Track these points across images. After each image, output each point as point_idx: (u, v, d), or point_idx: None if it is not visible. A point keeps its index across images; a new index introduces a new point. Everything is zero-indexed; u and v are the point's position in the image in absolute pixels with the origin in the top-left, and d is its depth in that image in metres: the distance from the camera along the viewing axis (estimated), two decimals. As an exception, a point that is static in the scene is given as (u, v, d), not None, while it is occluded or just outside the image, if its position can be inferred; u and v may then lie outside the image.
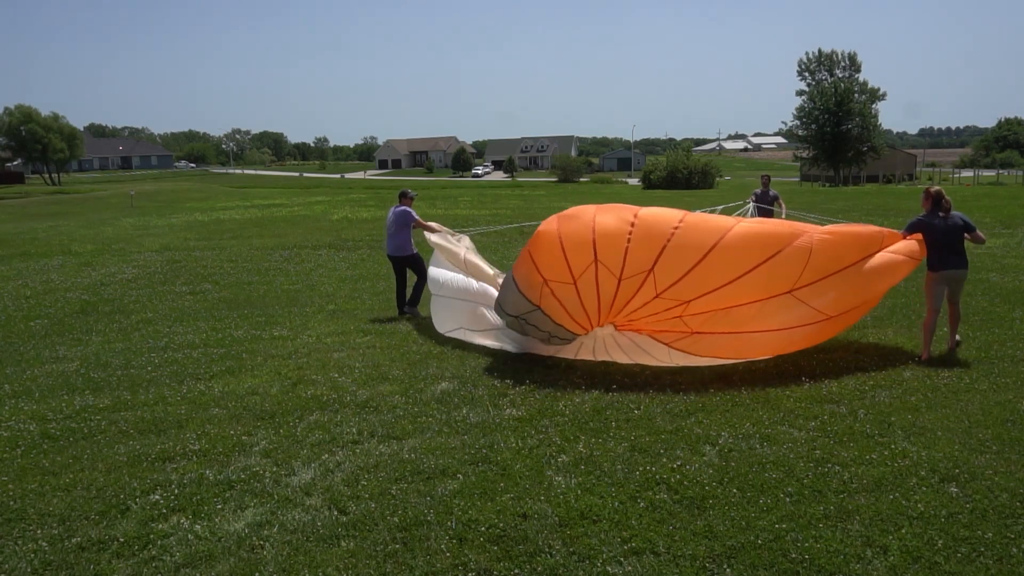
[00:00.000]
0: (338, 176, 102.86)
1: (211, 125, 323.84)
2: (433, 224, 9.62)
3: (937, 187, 7.31)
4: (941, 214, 7.05)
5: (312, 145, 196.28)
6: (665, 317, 6.80)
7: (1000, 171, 62.51)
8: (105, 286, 12.92)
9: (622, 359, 7.29)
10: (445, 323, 8.67)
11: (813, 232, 6.82)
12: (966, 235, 7.06)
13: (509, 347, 7.84)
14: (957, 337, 7.40)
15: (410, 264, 9.90)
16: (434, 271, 9.07)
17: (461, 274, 8.74)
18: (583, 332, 7.14)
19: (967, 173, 65.93)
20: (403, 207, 9.79)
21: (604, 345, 7.33)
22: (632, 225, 6.74)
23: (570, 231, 6.86)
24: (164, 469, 5.13)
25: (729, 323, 6.72)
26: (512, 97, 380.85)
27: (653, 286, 6.62)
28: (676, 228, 6.66)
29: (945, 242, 6.99)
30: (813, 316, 6.77)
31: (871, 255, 7.01)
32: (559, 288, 6.80)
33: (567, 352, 7.49)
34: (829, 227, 7.11)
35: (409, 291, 9.99)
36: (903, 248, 7.17)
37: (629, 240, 6.64)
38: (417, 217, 9.75)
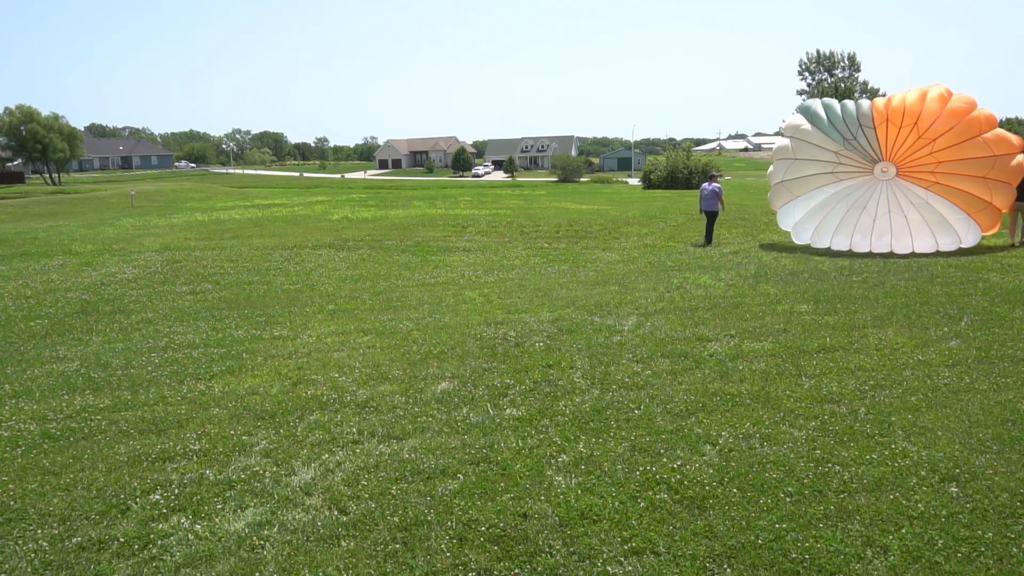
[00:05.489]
0: (338, 176, 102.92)
1: (211, 125, 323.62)
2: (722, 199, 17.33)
3: None
4: None
5: (312, 145, 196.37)
6: (924, 171, 14.07)
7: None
8: (105, 286, 12.92)
9: (887, 227, 14.16)
10: (801, 233, 15.30)
11: (999, 154, 13.52)
12: None
13: (832, 227, 14.71)
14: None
15: (713, 217, 17.06)
16: (783, 208, 15.77)
17: (798, 193, 15.44)
18: (881, 159, 14.49)
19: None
20: (717, 183, 17.24)
21: (890, 190, 14.33)
22: (941, 114, 14.01)
23: (909, 107, 14.27)
24: (164, 469, 5.14)
25: (954, 182, 13.86)
26: (512, 97, 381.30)
27: (931, 147, 13.93)
28: (957, 125, 13.83)
29: None
30: (986, 196, 13.70)
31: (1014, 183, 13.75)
32: (880, 126, 14.48)
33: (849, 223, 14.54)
34: (1006, 159, 13.57)
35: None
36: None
37: (936, 120, 13.91)
38: (721, 192, 17.12)
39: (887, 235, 14.15)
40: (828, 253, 14.27)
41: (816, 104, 15.73)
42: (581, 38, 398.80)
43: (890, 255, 13.81)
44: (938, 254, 13.46)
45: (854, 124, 14.74)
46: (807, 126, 15.35)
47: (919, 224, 13.96)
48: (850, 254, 14.01)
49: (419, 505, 4.48)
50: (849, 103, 15.28)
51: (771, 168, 16.27)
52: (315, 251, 17.16)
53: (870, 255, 13.94)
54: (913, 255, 13.80)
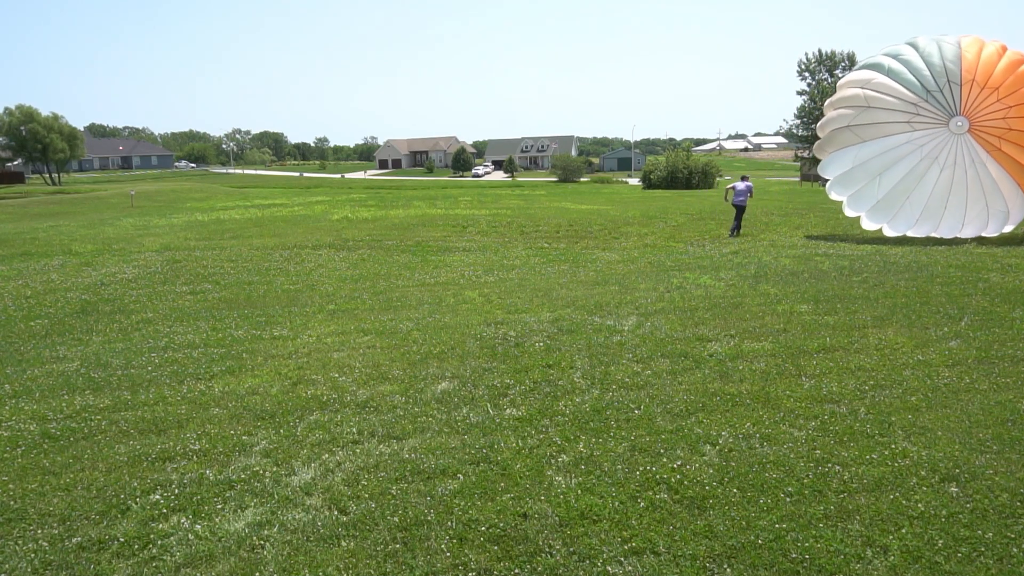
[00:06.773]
0: (338, 176, 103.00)
1: (211, 125, 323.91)
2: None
3: None
4: None
5: (312, 145, 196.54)
6: (992, 135, 14.78)
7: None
8: (105, 286, 12.92)
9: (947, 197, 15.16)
10: (856, 204, 16.13)
11: None
12: None
13: (885, 188, 15.64)
14: None
15: (742, 209, 18.65)
16: (839, 153, 16.28)
17: (860, 144, 16.07)
18: (956, 113, 15.11)
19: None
20: (750, 183, 18.92)
21: (959, 145, 15.08)
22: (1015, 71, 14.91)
23: (996, 76, 14.94)
24: (164, 469, 5.14)
25: (1015, 153, 14.74)
26: (512, 97, 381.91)
27: (1006, 114, 14.62)
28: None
29: None
30: None
31: None
32: (967, 84, 14.99)
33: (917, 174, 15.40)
34: None
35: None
36: None
37: (1019, 90, 14.65)
38: (752, 190, 18.81)
39: (941, 208, 15.23)
40: (827, 253, 14.26)
41: (890, 61, 16.04)
42: (581, 38, 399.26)
43: (928, 240, 15.09)
44: (937, 253, 13.48)
45: (942, 78, 15.33)
46: (882, 78, 15.89)
47: (975, 186, 15.07)
48: (851, 253, 13.94)
49: (419, 505, 4.48)
50: (933, 55, 15.49)
51: (831, 114, 16.54)
52: (315, 251, 17.16)
53: (906, 238, 15.21)
54: (915, 241, 14.74)
